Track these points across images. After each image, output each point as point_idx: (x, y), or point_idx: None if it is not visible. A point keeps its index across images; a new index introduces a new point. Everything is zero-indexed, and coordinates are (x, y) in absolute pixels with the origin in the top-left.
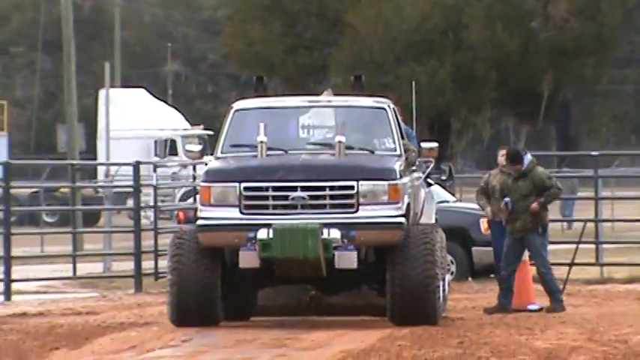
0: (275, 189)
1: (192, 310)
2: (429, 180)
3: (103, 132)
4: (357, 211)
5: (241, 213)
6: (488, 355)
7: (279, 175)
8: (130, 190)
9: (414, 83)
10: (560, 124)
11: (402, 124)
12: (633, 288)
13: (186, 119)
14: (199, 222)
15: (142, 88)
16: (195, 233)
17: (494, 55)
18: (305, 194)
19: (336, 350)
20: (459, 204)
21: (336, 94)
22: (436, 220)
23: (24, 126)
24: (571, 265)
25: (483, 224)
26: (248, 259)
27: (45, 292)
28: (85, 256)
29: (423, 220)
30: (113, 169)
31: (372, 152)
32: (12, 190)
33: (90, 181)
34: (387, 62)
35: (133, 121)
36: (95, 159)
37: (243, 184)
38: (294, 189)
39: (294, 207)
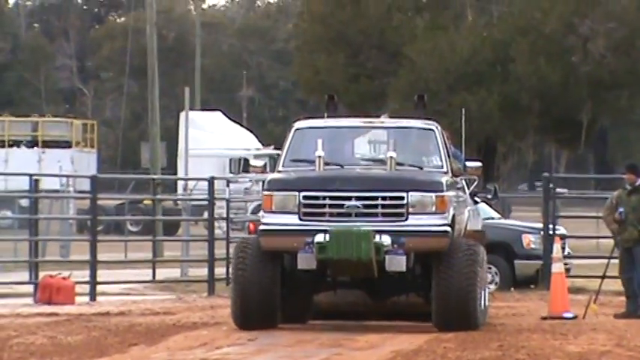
0: (331, 198)
1: (253, 311)
2: (476, 198)
3: (182, 150)
4: (406, 219)
5: (300, 219)
6: (525, 357)
7: (336, 186)
8: (206, 203)
9: (464, 110)
10: (598, 150)
11: (452, 147)
12: None
13: (259, 140)
14: (261, 227)
15: (219, 111)
16: (257, 240)
17: (537, 86)
18: (359, 203)
19: (387, 350)
20: (503, 221)
21: (391, 118)
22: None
23: (112, 144)
24: (603, 277)
25: (526, 239)
26: (305, 261)
27: (127, 294)
28: (164, 262)
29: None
30: (191, 183)
31: (421, 168)
32: (99, 201)
33: (170, 194)
34: (440, 91)
35: (210, 141)
36: (175, 174)
37: (303, 193)
38: (349, 199)
39: (349, 215)
